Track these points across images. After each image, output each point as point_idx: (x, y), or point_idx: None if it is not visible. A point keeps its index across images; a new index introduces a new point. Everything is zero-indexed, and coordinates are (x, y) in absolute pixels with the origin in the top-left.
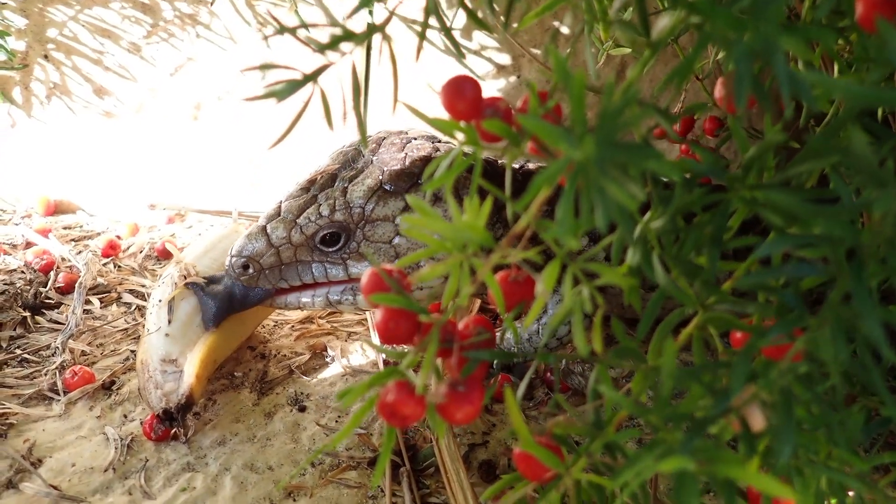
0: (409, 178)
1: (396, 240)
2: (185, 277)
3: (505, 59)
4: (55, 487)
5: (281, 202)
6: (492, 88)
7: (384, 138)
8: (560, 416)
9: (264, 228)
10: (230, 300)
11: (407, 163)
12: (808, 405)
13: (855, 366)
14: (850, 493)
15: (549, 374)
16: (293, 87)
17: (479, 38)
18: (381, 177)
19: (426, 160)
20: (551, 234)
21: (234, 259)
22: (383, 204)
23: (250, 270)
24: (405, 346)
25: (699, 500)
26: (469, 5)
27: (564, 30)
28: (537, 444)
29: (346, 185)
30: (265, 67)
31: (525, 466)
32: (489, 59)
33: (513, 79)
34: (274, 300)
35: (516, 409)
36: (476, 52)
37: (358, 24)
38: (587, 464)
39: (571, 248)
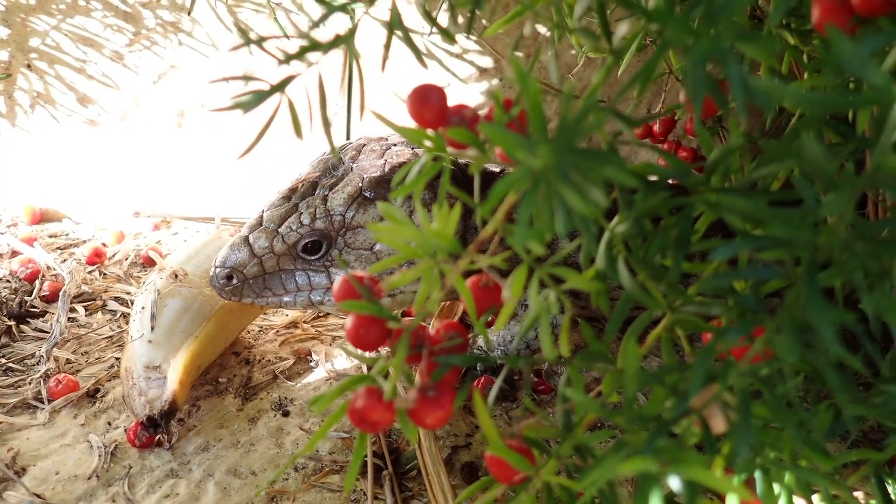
0: (389, 184)
1: (378, 246)
2: (175, 279)
3: (487, 61)
4: (39, 496)
5: (263, 212)
6: (475, 91)
7: (364, 145)
8: (531, 419)
9: (247, 239)
10: None
11: (387, 169)
12: (772, 405)
13: (820, 365)
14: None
15: (531, 375)
16: (259, 98)
17: (462, 41)
18: (360, 184)
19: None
20: (515, 239)
21: (217, 270)
22: (363, 211)
23: (234, 281)
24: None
25: (661, 501)
26: (433, 17)
27: (544, 31)
28: (507, 448)
29: (326, 193)
30: (227, 79)
31: (496, 469)
32: (471, 63)
33: (495, 81)
34: (255, 300)
35: (485, 413)
36: (458, 56)
37: (339, 30)
38: (558, 466)
39: (537, 254)
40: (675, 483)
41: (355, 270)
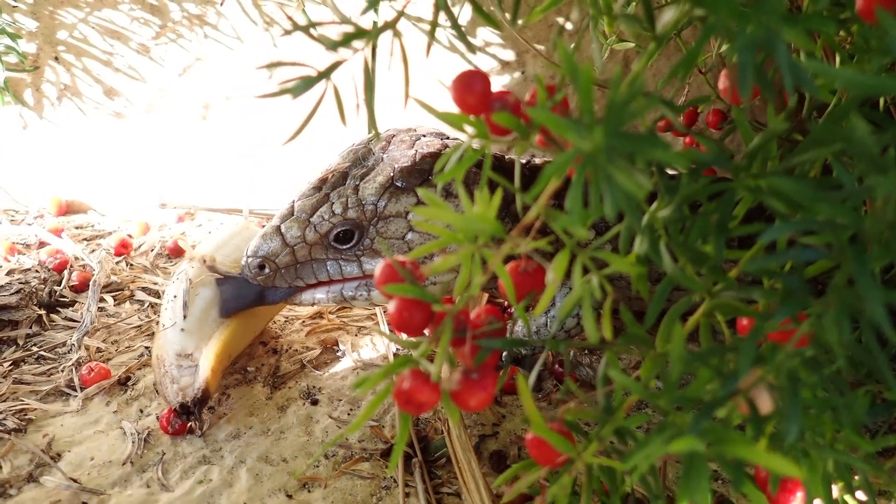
0: (420, 174)
1: (409, 235)
2: (205, 264)
3: (509, 55)
4: (75, 480)
5: (294, 202)
6: (496, 84)
7: (394, 136)
8: (571, 403)
9: (279, 228)
10: (250, 293)
11: (417, 159)
12: (814, 388)
13: (860, 350)
14: (856, 476)
15: (556, 366)
16: (308, 83)
17: (484, 34)
18: (392, 174)
19: (436, 156)
20: (561, 223)
21: (250, 259)
22: (395, 200)
23: (266, 270)
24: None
25: (709, 483)
26: (476, 1)
27: (568, 25)
28: (549, 430)
29: (357, 183)
30: (274, 65)
31: (537, 452)
32: (494, 56)
33: (517, 74)
34: (290, 297)
35: (528, 395)
36: (481, 49)
37: (367, 22)
38: (598, 448)
39: (580, 238)
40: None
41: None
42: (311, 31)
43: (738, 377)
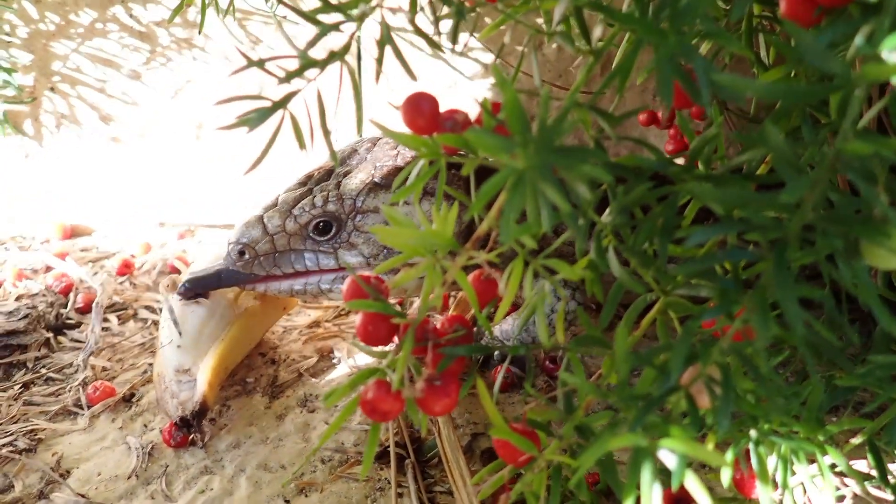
0: (400, 173)
1: None
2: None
3: (490, 58)
4: (83, 496)
5: (279, 195)
6: (482, 87)
7: (379, 139)
8: (534, 404)
9: (261, 217)
10: (210, 277)
11: (399, 160)
12: (761, 380)
13: (793, 340)
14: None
15: (547, 362)
16: (263, 115)
17: (465, 39)
18: (373, 171)
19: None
20: (503, 237)
21: (231, 245)
22: (374, 196)
23: (246, 256)
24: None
25: (654, 476)
26: (421, 28)
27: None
28: (511, 431)
29: (340, 180)
30: (232, 100)
31: (503, 451)
32: (476, 60)
33: None
34: (268, 286)
35: (488, 398)
36: (462, 54)
37: (339, 43)
38: (561, 446)
39: (531, 248)
40: (665, 456)
41: (362, 251)
42: (266, 65)
43: (673, 374)
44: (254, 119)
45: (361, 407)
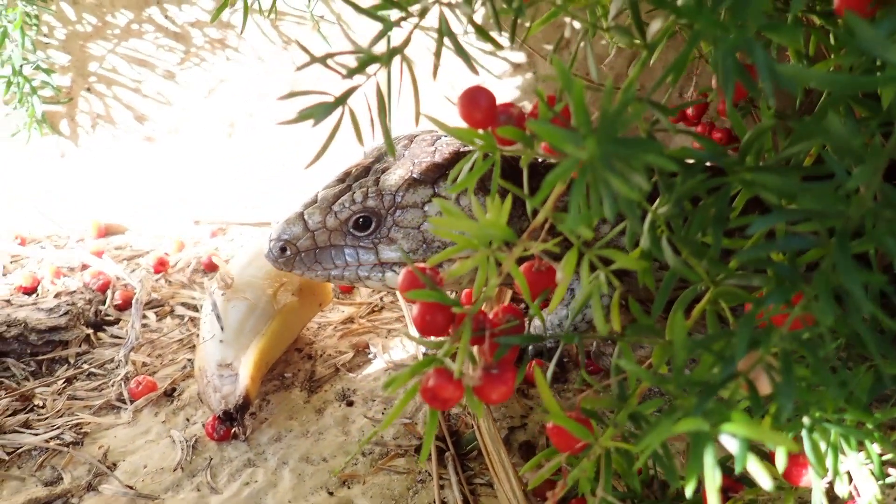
0: (439, 169)
1: (424, 225)
2: (225, 285)
3: (520, 57)
4: (131, 487)
5: (318, 192)
6: (509, 86)
7: (416, 135)
8: (588, 392)
9: (301, 214)
10: None
11: (437, 157)
12: (815, 368)
13: (857, 326)
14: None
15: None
16: (327, 109)
17: (495, 38)
18: (412, 167)
19: (455, 153)
20: (566, 226)
21: (272, 243)
22: (413, 191)
23: (287, 253)
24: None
25: (715, 460)
26: (478, 23)
27: (576, 24)
28: (567, 418)
29: (378, 176)
30: (294, 95)
31: (558, 439)
32: (505, 59)
33: (529, 75)
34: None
35: (545, 386)
36: (492, 53)
37: (379, 45)
38: (615, 433)
39: (586, 238)
40: (726, 441)
41: (402, 247)
42: (329, 57)
43: (735, 360)
44: (318, 113)
45: (422, 394)
